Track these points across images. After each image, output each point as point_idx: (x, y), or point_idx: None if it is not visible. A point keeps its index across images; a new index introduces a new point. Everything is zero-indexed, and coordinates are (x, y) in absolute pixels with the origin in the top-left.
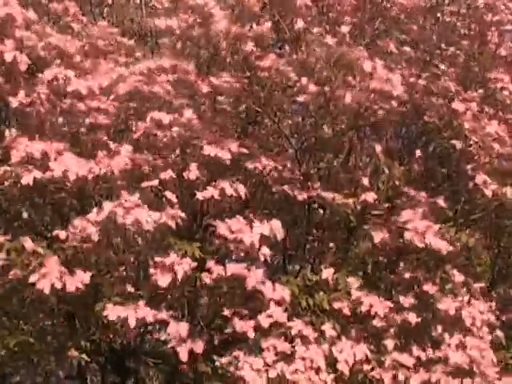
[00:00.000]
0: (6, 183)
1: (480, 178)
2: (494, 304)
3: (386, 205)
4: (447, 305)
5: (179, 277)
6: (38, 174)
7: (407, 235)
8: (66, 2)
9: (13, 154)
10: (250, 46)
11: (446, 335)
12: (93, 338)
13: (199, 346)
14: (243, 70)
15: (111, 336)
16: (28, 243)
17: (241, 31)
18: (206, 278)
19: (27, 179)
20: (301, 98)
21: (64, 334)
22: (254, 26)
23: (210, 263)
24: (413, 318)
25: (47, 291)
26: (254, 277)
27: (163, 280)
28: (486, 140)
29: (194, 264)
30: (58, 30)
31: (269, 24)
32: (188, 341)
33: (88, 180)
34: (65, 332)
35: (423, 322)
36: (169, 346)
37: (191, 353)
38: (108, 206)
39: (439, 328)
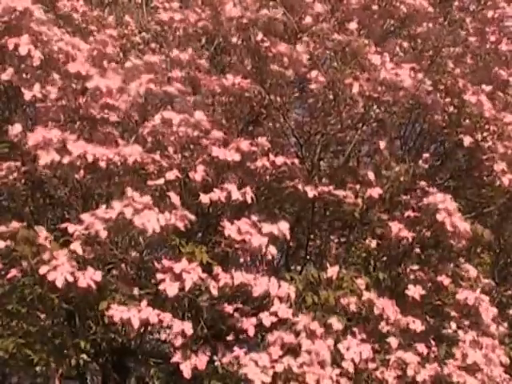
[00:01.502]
0: (11, 177)
1: (498, 166)
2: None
3: (404, 196)
4: (466, 294)
5: (187, 287)
6: (56, 156)
7: (439, 217)
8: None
9: (30, 137)
10: (260, 36)
11: (461, 332)
12: (93, 338)
13: (202, 363)
14: (253, 58)
15: (112, 336)
16: (43, 233)
17: (253, 16)
18: (213, 289)
19: (45, 160)
20: (312, 86)
21: (64, 334)
22: (266, 11)
23: (218, 269)
24: (418, 325)
25: (60, 284)
26: (260, 283)
27: (171, 290)
28: (506, 129)
29: (204, 275)
30: (67, 30)
31: (280, 9)
32: (192, 356)
33: (99, 169)
34: (65, 331)
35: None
36: (171, 361)
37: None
38: (118, 206)
39: (453, 325)
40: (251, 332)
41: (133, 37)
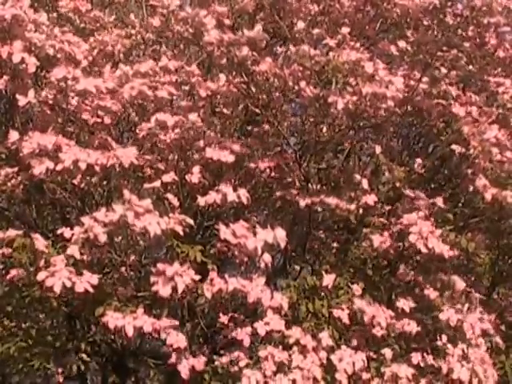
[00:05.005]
0: (9, 184)
1: (480, 181)
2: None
3: (388, 208)
4: (448, 314)
5: (179, 290)
6: (50, 164)
7: (411, 238)
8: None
9: (25, 146)
10: (244, 51)
11: (450, 345)
12: (93, 339)
13: (201, 363)
14: (240, 74)
15: (112, 336)
16: (40, 243)
17: (233, 38)
18: (208, 292)
19: (40, 169)
20: (299, 100)
21: (64, 335)
22: (246, 31)
23: (213, 274)
24: (413, 327)
25: (58, 290)
26: (255, 288)
27: (164, 291)
28: (485, 145)
29: (197, 277)
30: (68, 30)
31: (260, 27)
32: (189, 358)
33: (95, 173)
34: (65, 332)
35: (424, 328)
36: (169, 362)
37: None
38: (119, 209)
39: (444, 337)
40: (246, 342)
41: (134, 37)
